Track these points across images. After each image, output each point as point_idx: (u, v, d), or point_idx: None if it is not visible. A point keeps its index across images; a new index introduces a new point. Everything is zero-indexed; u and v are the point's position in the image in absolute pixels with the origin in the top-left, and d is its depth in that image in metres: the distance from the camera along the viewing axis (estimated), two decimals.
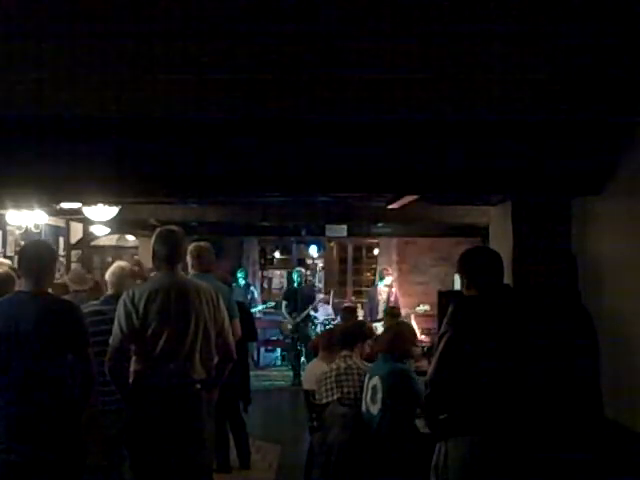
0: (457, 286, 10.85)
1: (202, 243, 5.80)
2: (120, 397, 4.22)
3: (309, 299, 12.71)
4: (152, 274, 6.65)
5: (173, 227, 4.40)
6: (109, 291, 4.96)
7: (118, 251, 14.76)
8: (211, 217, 9.61)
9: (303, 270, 13.72)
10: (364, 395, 4.70)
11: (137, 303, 4.08)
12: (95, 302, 4.96)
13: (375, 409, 4.52)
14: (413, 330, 4.88)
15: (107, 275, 5.04)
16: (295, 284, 12.91)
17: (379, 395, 4.50)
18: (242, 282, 13.42)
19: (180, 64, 3.15)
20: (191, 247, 5.56)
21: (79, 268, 10.19)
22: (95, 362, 3.91)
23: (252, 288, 13.93)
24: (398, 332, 4.82)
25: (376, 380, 4.57)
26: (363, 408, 4.70)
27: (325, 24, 3.12)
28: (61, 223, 11.05)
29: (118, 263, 5.21)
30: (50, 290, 4.20)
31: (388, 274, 13.11)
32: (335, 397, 4.96)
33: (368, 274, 16.32)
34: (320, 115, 3.43)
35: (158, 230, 4.33)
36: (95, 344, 3.98)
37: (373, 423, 4.55)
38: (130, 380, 4.12)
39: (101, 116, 3.40)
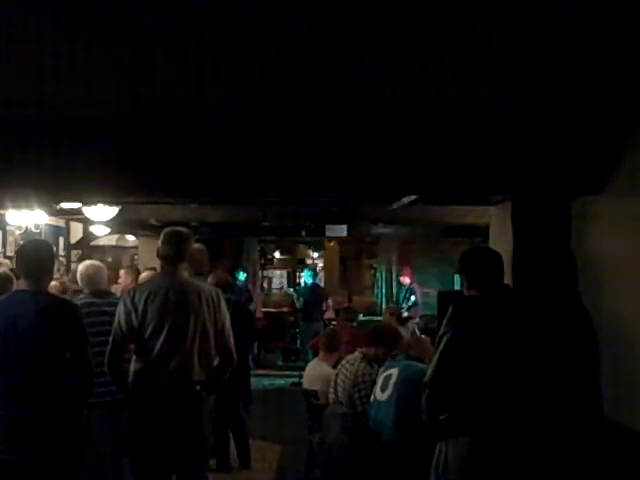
0: (457, 286, 10.87)
1: (195, 245, 5.75)
2: (107, 391, 4.27)
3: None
4: (145, 273, 6.69)
5: (180, 228, 4.40)
6: (85, 290, 4.99)
7: (118, 251, 14.77)
8: (211, 217, 9.61)
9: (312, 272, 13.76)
10: (375, 387, 4.69)
11: (137, 303, 4.09)
12: (82, 295, 5.00)
13: (384, 396, 4.51)
14: (431, 347, 4.90)
15: (79, 275, 5.08)
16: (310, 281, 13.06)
17: (392, 382, 4.48)
18: (239, 282, 13.44)
19: (180, 64, 3.15)
20: None
21: None
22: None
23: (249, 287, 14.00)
24: (418, 341, 4.83)
25: (392, 370, 4.56)
26: (371, 399, 4.69)
27: (325, 25, 3.12)
28: (61, 223, 11.05)
29: (88, 262, 5.23)
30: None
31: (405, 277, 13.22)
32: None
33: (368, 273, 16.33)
34: (320, 115, 3.43)
35: (165, 230, 4.34)
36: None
37: (379, 412, 4.52)
38: (130, 380, 4.12)
39: (101, 116, 3.40)
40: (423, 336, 5.14)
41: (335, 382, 5.16)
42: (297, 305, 13.14)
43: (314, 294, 12.85)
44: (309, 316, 12.65)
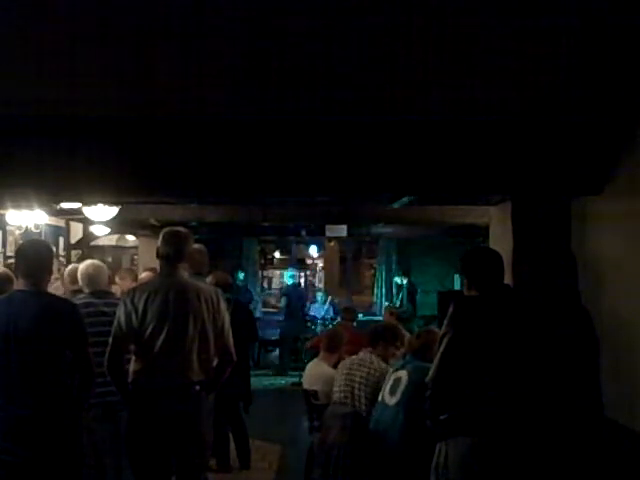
0: (457, 286, 10.87)
1: (195, 245, 5.73)
2: (106, 391, 4.28)
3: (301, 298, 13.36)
4: (144, 274, 6.68)
5: (179, 228, 4.40)
6: (85, 289, 4.99)
7: (118, 251, 14.77)
8: (211, 217, 9.61)
9: (295, 272, 14.21)
10: (383, 387, 4.68)
11: (137, 303, 4.09)
12: (82, 295, 4.99)
13: (393, 400, 4.50)
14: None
15: (79, 275, 5.07)
16: (290, 283, 13.56)
17: (401, 387, 4.47)
18: (240, 281, 13.55)
19: (180, 64, 3.15)
20: None
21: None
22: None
23: (249, 287, 14.18)
24: (429, 338, 4.79)
25: (402, 373, 4.54)
26: (379, 398, 4.68)
27: (325, 24, 3.12)
28: (61, 223, 11.05)
29: (89, 262, 5.23)
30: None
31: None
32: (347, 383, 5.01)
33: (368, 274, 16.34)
34: (320, 115, 3.43)
35: (164, 230, 4.35)
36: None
37: (385, 415, 4.52)
38: (130, 380, 4.12)
39: (101, 116, 3.40)
40: (432, 327, 5.08)
41: (349, 381, 5.09)
42: (280, 305, 13.44)
43: (296, 294, 13.10)
44: (291, 315, 12.84)
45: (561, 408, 3.48)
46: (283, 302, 13.28)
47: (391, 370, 4.74)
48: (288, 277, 13.70)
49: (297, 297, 13.16)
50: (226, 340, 4.25)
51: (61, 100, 3.19)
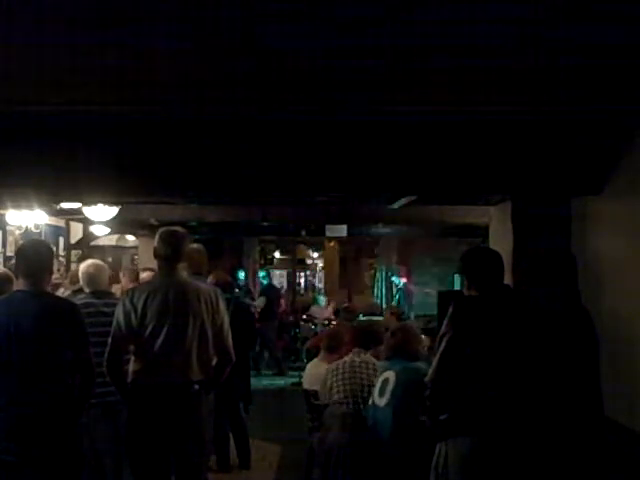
0: (457, 286, 10.87)
1: (194, 245, 5.73)
2: (106, 391, 4.27)
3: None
4: (145, 274, 6.70)
5: (176, 227, 4.39)
6: (86, 289, 4.99)
7: (118, 251, 14.76)
8: (211, 217, 9.62)
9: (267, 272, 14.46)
10: (373, 390, 4.68)
11: (136, 303, 4.09)
12: (82, 295, 4.98)
13: (382, 401, 4.51)
14: (417, 332, 4.86)
15: (81, 273, 5.07)
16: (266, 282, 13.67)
17: (390, 387, 4.48)
18: (241, 280, 13.62)
19: (180, 64, 3.15)
20: None
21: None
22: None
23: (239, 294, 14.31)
24: (406, 334, 4.78)
25: (389, 374, 4.55)
26: (370, 402, 4.68)
27: (325, 26, 3.12)
28: (61, 223, 11.05)
29: (90, 262, 5.22)
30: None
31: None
32: (347, 389, 4.97)
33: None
34: (320, 115, 3.43)
35: (160, 230, 4.33)
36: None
37: (378, 416, 4.53)
38: (129, 380, 4.12)
39: (101, 116, 3.40)
40: (407, 324, 5.09)
41: (357, 384, 5.04)
42: (257, 304, 13.39)
43: (270, 294, 13.15)
44: (265, 316, 12.83)
45: (561, 408, 3.48)
46: (261, 302, 13.21)
47: (379, 372, 4.74)
48: (262, 277, 13.78)
49: (274, 297, 13.21)
50: (225, 340, 4.25)
51: (61, 100, 3.19)
